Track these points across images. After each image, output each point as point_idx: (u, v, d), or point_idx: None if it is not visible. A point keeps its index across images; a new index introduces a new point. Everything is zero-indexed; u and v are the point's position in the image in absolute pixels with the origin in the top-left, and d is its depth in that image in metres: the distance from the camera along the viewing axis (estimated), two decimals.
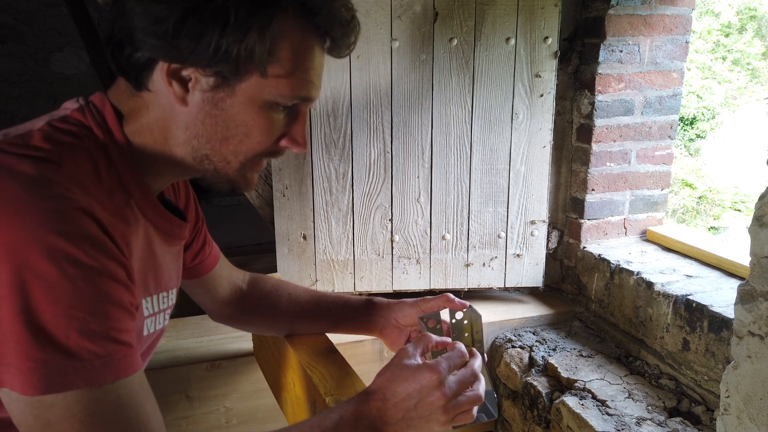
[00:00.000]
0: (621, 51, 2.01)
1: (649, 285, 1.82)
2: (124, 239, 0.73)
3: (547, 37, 1.98)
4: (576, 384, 1.74)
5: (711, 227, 7.17)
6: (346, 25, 0.78)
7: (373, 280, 2.09)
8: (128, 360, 0.68)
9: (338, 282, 2.08)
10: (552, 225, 2.23)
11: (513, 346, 2.00)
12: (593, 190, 2.11)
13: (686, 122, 8.56)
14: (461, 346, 0.85)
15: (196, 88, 0.73)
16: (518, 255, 2.14)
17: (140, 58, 0.73)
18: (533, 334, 2.05)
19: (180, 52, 0.70)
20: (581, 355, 1.90)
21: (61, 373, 0.62)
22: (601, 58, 2.00)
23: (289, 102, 0.77)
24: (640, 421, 1.57)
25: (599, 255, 2.05)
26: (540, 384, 1.83)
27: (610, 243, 2.16)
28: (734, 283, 1.70)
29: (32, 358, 0.61)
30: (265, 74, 0.73)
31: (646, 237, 2.20)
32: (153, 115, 0.77)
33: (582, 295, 2.15)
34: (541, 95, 2.02)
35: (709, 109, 8.72)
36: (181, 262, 0.97)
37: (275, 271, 2.02)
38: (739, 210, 7.40)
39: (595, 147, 2.07)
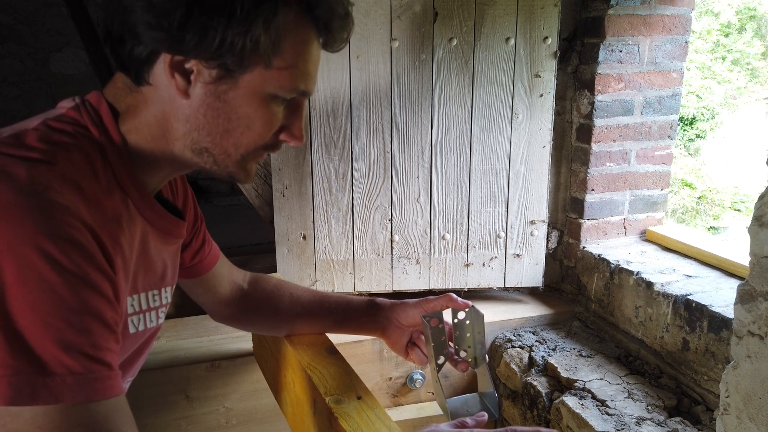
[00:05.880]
0: (620, 51, 2.01)
1: (649, 285, 1.82)
2: (114, 240, 0.72)
3: (546, 37, 1.98)
4: (576, 384, 1.74)
5: (711, 227, 7.18)
6: (343, 19, 0.78)
7: (372, 280, 2.09)
8: (106, 382, 0.64)
9: (338, 282, 2.08)
10: (552, 225, 2.23)
11: (513, 346, 2.00)
12: (593, 190, 2.11)
13: (686, 122, 8.57)
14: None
15: (198, 80, 0.73)
16: (518, 255, 2.14)
17: (142, 51, 0.72)
18: (533, 334, 2.05)
19: (185, 45, 0.70)
20: (581, 355, 1.90)
21: (30, 385, 0.60)
22: (600, 58, 2.00)
23: (290, 95, 0.77)
24: (639, 420, 1.57)
25: (599, 255, 2.05)
26: (540, 384, 1.83)
27: (609, 243, 2.16)
28: (734, 283, 1.70)
29: (3, 364, 0.59)
30: (270, 66, 0.73)
31: (646, 237, 2.20)
32: (152, 110, 0.77)
33: (582, 295, 2.15)
34: (541, 95, 2.02)
35: (708, 109, 8.73)
36: (178, 261, 0.97)
37: (275, 271, 2.02)
38: (738, 210, 7.41)
39: (594, 147, 2.07)
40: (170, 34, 0.69)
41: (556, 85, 2.04)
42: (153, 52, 0.72)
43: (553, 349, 1.95)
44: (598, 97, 2.03)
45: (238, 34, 0.70)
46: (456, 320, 1.05)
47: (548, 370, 1.88)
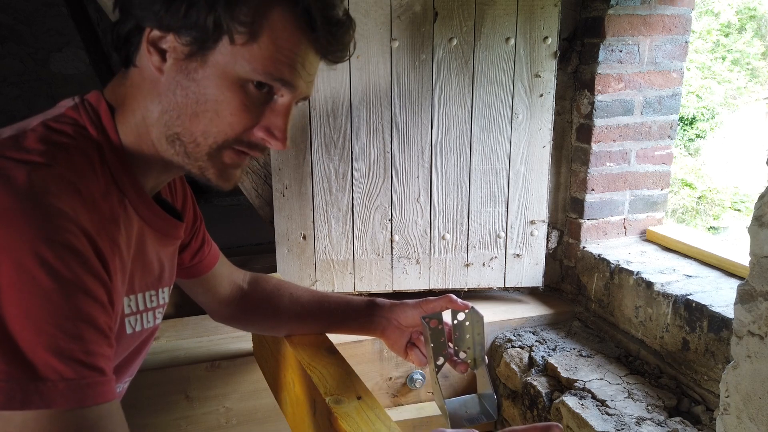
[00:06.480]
0: (620, 51, 2.01)
1: (649, 285, 1.82)
2: (112, 241, 0.72)
3: (546, 37, 1.98)
4: (576, 384, 1.74)
5: (711, 227, 7.18)
6: (339, 21, 0.77)
7: (372, 280, 2.09)
8: (98, 388, 0.65)
9: (338, 282, 2.08)
10: (552, 225, 2.23)
11: (513, 346, 2.00)
12: (593, 190, 2.11)
13: (686, 122, 8.57)
14: None
15: (171, 56, 0.73)
16: (518, 255, 2.14)
17: (126, 26, 0.74)
18: (533, 334, 2.05)
19: (155, 15, 0.71)
20: (581, 355, 1.90)
21: (22, 390, 0.60)
22: (600, 58, 2.00)
23: (263, 78, 0.74)
24: (639, 420, 1.57)
25: (599, 255, 2.05)
26: (540, 384, 1.83)
27: (609, 243, 2.16)
28: (734, 283, 1.70)
29: None
30: (232, 40, 0.72)
31: (646, 237, 2.20)
32: (137, 96, 0.77)
33: (581, 295, 2.15)
34: (541, 95, 2.02)
35: (708, 109, 8.73)
36: (175, 262, 0.97)
37: (275, 271, 2.02)
38: (738, 210, 7.41)
39: (594, 147, 2.07)
40: (145, 3, 0.71)
41: (556, 85, 2.04)
42: (137, 28, 0.74)
43: (553, 349, 1.95)
44: (598, 97, 2.03)
45: (202, 6, 0.70)
46: (456, 321, 1.05)
47: (548, 370, 1.88)
